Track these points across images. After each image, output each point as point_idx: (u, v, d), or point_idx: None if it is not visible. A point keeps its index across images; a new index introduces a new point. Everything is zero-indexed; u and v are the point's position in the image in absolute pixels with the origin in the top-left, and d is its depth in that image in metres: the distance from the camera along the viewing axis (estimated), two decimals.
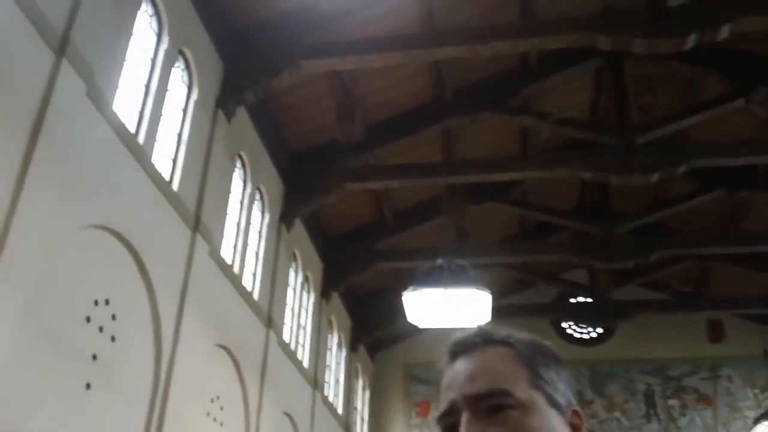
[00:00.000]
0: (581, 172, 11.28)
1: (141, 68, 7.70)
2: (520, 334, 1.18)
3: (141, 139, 7.42)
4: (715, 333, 17.20)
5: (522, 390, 1.07)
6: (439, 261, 7.37)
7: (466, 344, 1.15)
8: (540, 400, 1.08)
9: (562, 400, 1.11)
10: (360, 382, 16.64)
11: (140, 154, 7.24)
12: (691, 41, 8.73)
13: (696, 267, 15.96)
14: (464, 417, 1.06)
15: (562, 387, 1.13)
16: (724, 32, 8.63)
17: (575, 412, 1.12)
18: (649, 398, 17.62)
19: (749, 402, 17.19)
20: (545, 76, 12.10)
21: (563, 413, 1.09)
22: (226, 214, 9.64)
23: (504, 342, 1.14)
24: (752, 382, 17.34)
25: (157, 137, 7.84)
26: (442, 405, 1.11)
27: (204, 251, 8.59)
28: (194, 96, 8.75)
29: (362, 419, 16.69)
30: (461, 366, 1.12)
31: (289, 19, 9.40)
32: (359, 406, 16.53)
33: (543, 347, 1.17)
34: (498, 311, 9.95)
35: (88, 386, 6.30)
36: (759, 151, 11.05)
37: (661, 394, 17.58)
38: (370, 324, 15.67)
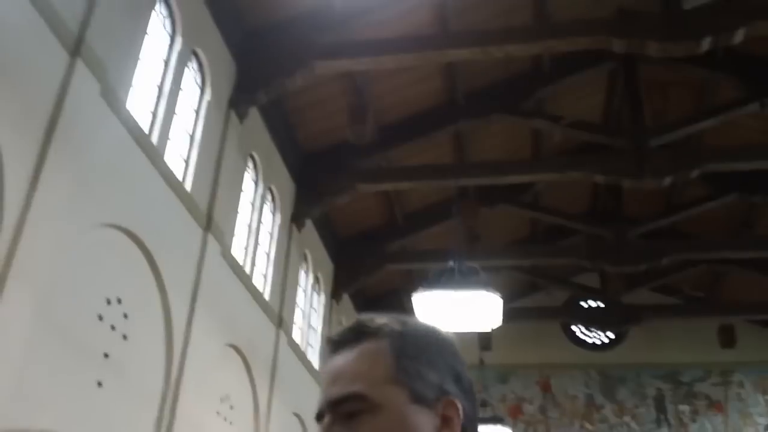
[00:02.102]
0: (594, 176, 11.23)
1: (154, 68, 7.74)
2: (397, 323, 1.11)
3: (154, 138, 7.46)
4: (727, 338, 17.13)
5: (378, 390, 1.03)
6: (450, 263, 7.33)
7: (340, 341, 1.11)
8: (401, 397, 1.03)
9: (430, 393, 1.04)
10: None
11: (153, 153, 7.28)
12: (705, 45, 8.66)
13: (708, 272, 15.87)
14: (325, 422, 1.06)
15: (435, 377, 1.06)
16: (739, 36, 8.55)
17: (449, 403, 1.04)
18: (660, 403, 17.53)
19: (760, 408, 17.08)
20: (558, 78, 12.05)
21: (431, 407, 1.04)
22: (237, 214, 9.67)
23: (376, 334, 1.09)
24: (763, 389, 17.22)
25: (170, 137, 7.87)
26: (318, 406, 1.09)
27: (215, 251, 8.62)
28: (207, 96, 8.78)
29: None
30: (330, 366, 1.10)
31: (302, 20, 9.41)
32: None
33: (419, 335, 1.10)
34: (508, 314, 9.93)
35: (99, 384, 6.33)
36: None
37: (672, 400, 17.49)
38: None
